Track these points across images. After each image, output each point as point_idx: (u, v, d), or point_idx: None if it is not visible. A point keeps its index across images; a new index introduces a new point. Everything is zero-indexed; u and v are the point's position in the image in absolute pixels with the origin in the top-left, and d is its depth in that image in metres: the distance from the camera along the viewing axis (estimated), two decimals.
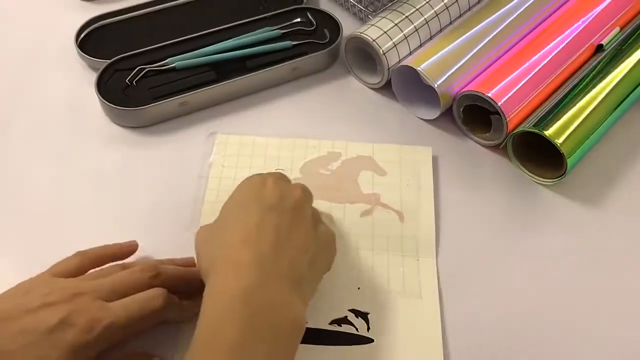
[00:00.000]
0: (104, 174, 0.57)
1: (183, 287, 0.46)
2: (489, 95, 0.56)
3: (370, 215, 0.55)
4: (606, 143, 0.60)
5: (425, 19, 0.62)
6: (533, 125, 0.55)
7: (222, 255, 0.41)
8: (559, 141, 0.54)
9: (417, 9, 0.62)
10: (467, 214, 0.56)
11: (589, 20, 0.63)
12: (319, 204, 0.54)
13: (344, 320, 0.49)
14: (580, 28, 0.63)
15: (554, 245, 0.54)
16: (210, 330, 0.37)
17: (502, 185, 0.58)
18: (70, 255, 0.46)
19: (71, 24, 0.66)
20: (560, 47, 0.61)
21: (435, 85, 0.58)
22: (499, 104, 0.56)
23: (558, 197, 0.57)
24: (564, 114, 0.56)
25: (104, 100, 0.58)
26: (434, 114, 0.61)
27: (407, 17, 0.62)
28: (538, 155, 0.58)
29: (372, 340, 0.48)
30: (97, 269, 0.46)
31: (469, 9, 0.66)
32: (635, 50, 0.61)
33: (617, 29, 0.64)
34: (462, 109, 0.60)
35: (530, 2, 0.65)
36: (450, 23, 0.65)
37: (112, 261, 0.47)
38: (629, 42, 0.62)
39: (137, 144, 0.59)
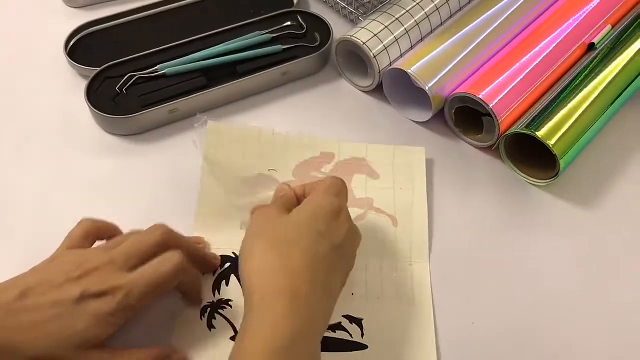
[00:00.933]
0: (95, 183, 0.56)
1: (188, 258, 0.47)
2: (481, 97, 0.56)
3: (363, 220, 0.54)
4: (599, 142, 0.60)
5: (415, 20, 0.62)
6: (525, 127, 0.55)
7: (281, 284, 0.41)
8: (552, 142, 0.53)
9: (407, 11, 0.62)
10: (460, 215, 0.55)
11: (580, 19, 0.63)
12: None
13: (338, 327, 0.48)
14: (572, 27, 0.62)
15: (546, 246, 0.54)
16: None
17: (495, 186, 0.58)
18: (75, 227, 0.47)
19: (60, 31, 0.65)
20: (552, 46, 0.61)
21: (427, 88, 0.57)
22: (491, 105, 0.56)
23: (551, 198, 0.57)
24: (556, 115, 0.55)
25: (94, 109, 0.58)
26: (426, 116, 0.61)
27: (397, 19, 0.61)
28: (531, 156, 0.57)
29: (366, 347, 0.48)
30: (112, 240, 0.47)
31: (460, 9, 0.66)
32: (626, 49, 0.61)
33: (609, 27, 0.64)
34: (453, 111, 0.60)
35: (521, 2, 0.64)
36: (441, 24, 0.64)
37: (114, 231, 0.48)
38: (620, 40, 0.62)
39: (127, 152, 0.59)
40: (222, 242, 0.52)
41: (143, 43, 0.65)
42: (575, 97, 0.57)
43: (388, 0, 0.65)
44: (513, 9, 0.64)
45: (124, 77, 0.61)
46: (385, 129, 0.62)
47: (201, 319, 0.48)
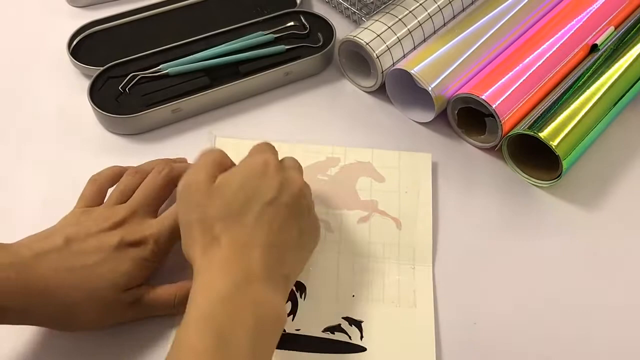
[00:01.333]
0: None
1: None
2: (483, 97, 0.56)
3: (367, 222, 0.54)
4: (602, 144, 0.60)
5: (418, 21, 0.62)
6: (528, 128, 0.55)
7: (211, 243, 0.42)
8: (554, 143, 0.53)
9: (410, 12, 0.62)
10: (463, 216, 0.55)
11: (583, 20, 0.63)
12: (316, 210, 0.53)
13: (337, 328, 0.48)
14: (575, 28, 0.62)
15: (550, 247, 0.54)
16: (197, 325, 0.38)
17: (497, 187, 0.58)
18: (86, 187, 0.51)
19: (63, 31, 0.65)
20: (555, 47, 0.61)
21: (430, 88, 0.57)
22: (494, 106, 0.56)
23: (554, 199, 0.57)
24: (559, 116, 0.55)
25: (97, 108, 0.58)
26: (428, 116, 0.61)
27: (400, 19, 0.61)
28: (534, 156, 0.57)
29: (365, 349, 0.48)
30: (118, 189, 0.50)
31: (463, 10, 0.66)
32: (629, 50, 0.61)
33: (612, 28, 0.64)
34: (456, 112, 0.60)
35: (524, 2, 0.64)
36: (444, 25, 0.64)
37: (119, 175, 0.51)
38: (623, 42, 0.62)
39: (131, 151, 0.59)
40: None
41: (146, 42, 0.65)
42: (578, 98, 0.57)
43: (391, 1, 0.65)
44: (516, 10, 0.64)
45: (127, 76, 0.61)
46: (387, 129, 0.62)
47: None
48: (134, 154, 0.58)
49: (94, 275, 0.44)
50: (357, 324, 0.49)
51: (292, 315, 0.49)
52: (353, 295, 0.50)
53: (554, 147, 0.53)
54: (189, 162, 0.54)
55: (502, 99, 0.56)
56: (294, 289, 0.50)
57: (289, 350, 0.47)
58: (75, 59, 0.63)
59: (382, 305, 0.49)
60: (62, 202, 0.55)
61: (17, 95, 0.63)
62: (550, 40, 0.61)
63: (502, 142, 0.57)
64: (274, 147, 0.48)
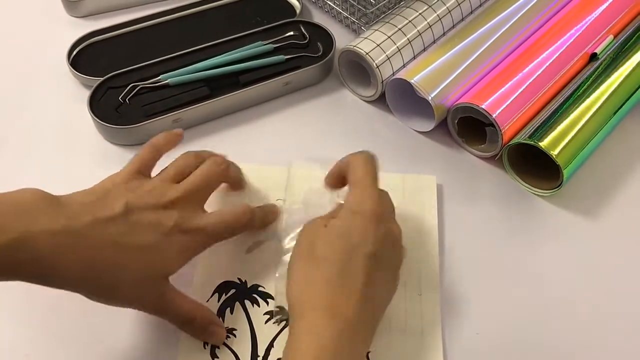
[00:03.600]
0: None
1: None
2: (483, 107, 0.56)
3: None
4: (602, 152, 0.60)
5: (418, 30, 0.62)
6: (528, 137, 0.55)
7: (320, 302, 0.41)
8: (555, 153, 0.53)
9: (409, 21, 0.62)
10: (463, 225, 0.55)
11: (582, 29, 0.63)
12: None
13: None
14: (574, 37, 0.63)
15: (552, 256, 0.53)
16: None
17: (498, 196, 0.57)
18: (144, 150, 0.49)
19: (63, 41, 0.66)
20: (554, 56, 0.61)
21: (429, 98, 0.57)
22: (494, 115, 0.56)
23: (555, 208, 0.57)
24: (559, 125, 0.55)
25: (97, 119, 0.58)
26: (428, 126, 0.61)
27: (400, 29, 0.62)
28: (534, 165, 0.57)
29: None
30: (170, 170, 0.48)
31: (462, 19, 0.66)
32: (628, 59, 0.61)
33: (611, 37, 0.64)
34: (456, 121, 0.60)
35: (524, 11, 0.65)
36: (444, 34, 0.64)
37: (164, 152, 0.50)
38: (622, 50, 0.62)
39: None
40: (227, 267, 0.51)
41: (146, 53, 0.65)
42: (578, 107, 0.57)
43: (390, 10, 0.65)
44: (515, 19, 0.64)
45: (127, 87, 0.61)
46: (387, 139, 0.62)
47: (204, 348, 0.47)
48: None
49: (147, 259, 0.42)
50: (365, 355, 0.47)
51: None
52: None
53: (554, 156, 0.53)
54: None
55: (502, 109, 0.56)
56: None
57: None
58: (75, 70, 0.63)
59: (390, 335, 0.48)
60: None
61: (17, 106, 0.63)
62: (550, 49, 0.61)
63: (503, 151, 0.57)
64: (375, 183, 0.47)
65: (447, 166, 0.59)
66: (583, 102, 0.57)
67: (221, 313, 0.49)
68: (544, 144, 0.54)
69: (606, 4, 0.65)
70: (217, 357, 0.47)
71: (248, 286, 0.50)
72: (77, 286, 0.41)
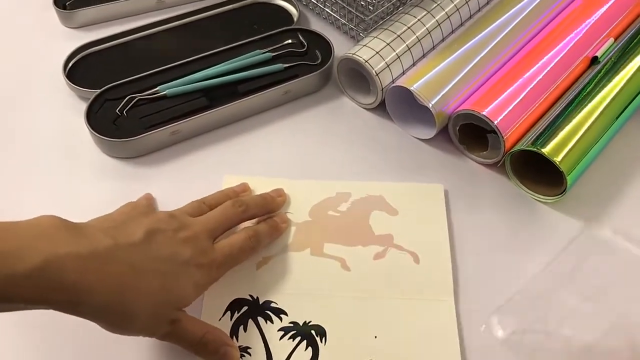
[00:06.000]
0: (98, 207, 0.55)
1: (263, 212, 0.53)
2: (485, 114, 0.55)
3: (384, 257, 0.53)
4: (606, 156, 0.59)
5: (417, 37, 0.62)
6: (531, 144, 0.54)
7: None
8: (558, 159, 0.53)
9: (408, 27, 0.62)
10: (467, 232, 0.55)
11: (582, 32, 0.63)
12: (330, 247, 0.53)
13: None
14: (574, 41, 0.62)
15: (556, 264, 0.53)
16: None
17: (501, 203, 0.57)
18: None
19: (58, 52, 0.65)
20: (555, 60, 0.60)
21: (430, 105, 0.57)
22: (495, 122, 0.55)
23: (560, 215, 0.56)
24: (562, 131, 0.55)
25: (94, 132, 0.57)
26: (430, 133, 0.60)
27: (399, 36, 0.61)
28: (538, 171, 0.57)
29: None
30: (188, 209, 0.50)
31: (461, 24, 0.66)
32: (630, 62, 0.61)
33: (611, 40, 0.63)
34: (457, 128, 0.59)
35: (523, 15, 0.64)
36: (443, 40, 0.64)
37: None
38: (623, 53, 0.62)
39: (129, 174, 0.58)
40: (237, 284, 0.51)
41: (142, 63, 0.64)
42: (580, 112, 0.56)
43: (389, 17, 0.65)
44: (515, 23, 0.64)
45: (124, 99, 0.60)
46: (389, 147, 0.61)
47: None
48: (133, 177, 0.58)
49: (165, 286, 0.43)
50: None
51: None
52: (375, 337, 0.48)
53: (557, 162, 0.53)
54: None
55: (503, 115, 0.56)
56: (314, 334, 0.48)
57: None
58: (71, 82, 0.63)
59: (407, 345, 0.48)
60: None
61: (13, 118, 0.62)
62: (551, 53, 0.61)
63: (505, 158, 0.57)
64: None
65: (449, 173, 0.59)
66: (585, 107, 0.57)
67: (234, 332, 0.48)
68: (547, 150, 0.53)
69: (605, 7, 0.65)
70: None
71: (260, 302, 0.50)
72: (101, 313, 0.41)
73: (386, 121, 0.63)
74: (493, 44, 0.62)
